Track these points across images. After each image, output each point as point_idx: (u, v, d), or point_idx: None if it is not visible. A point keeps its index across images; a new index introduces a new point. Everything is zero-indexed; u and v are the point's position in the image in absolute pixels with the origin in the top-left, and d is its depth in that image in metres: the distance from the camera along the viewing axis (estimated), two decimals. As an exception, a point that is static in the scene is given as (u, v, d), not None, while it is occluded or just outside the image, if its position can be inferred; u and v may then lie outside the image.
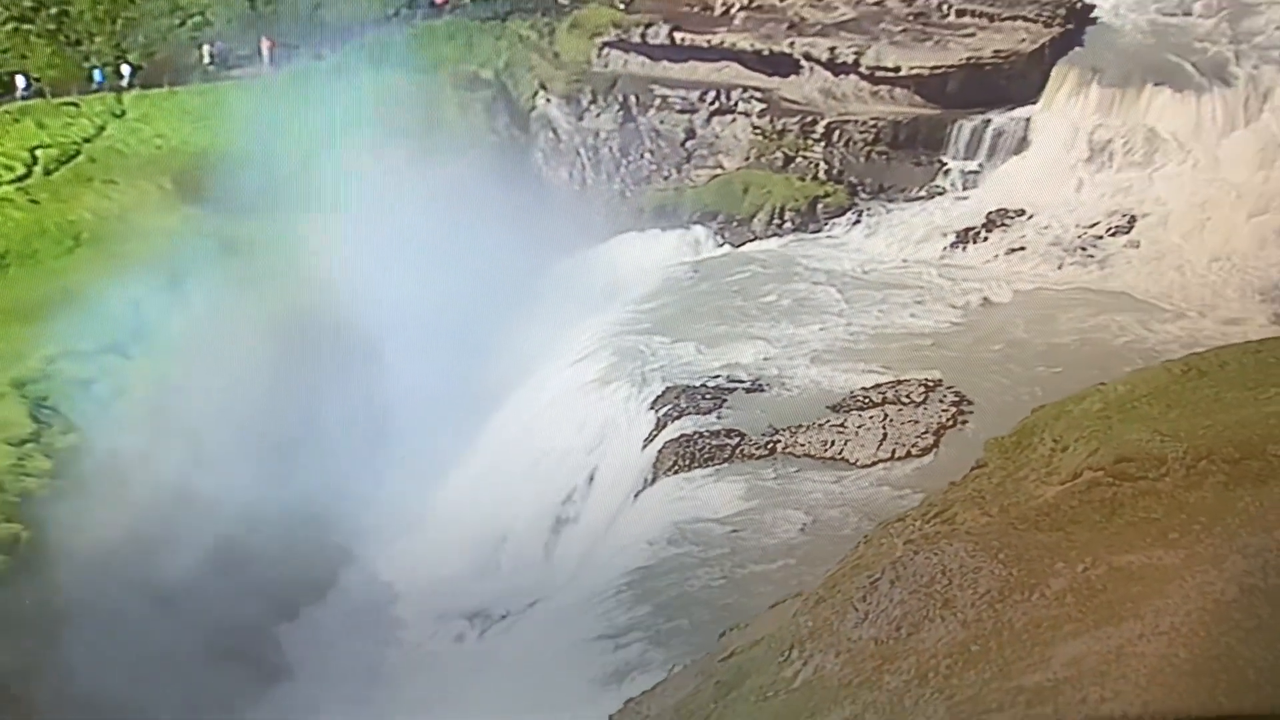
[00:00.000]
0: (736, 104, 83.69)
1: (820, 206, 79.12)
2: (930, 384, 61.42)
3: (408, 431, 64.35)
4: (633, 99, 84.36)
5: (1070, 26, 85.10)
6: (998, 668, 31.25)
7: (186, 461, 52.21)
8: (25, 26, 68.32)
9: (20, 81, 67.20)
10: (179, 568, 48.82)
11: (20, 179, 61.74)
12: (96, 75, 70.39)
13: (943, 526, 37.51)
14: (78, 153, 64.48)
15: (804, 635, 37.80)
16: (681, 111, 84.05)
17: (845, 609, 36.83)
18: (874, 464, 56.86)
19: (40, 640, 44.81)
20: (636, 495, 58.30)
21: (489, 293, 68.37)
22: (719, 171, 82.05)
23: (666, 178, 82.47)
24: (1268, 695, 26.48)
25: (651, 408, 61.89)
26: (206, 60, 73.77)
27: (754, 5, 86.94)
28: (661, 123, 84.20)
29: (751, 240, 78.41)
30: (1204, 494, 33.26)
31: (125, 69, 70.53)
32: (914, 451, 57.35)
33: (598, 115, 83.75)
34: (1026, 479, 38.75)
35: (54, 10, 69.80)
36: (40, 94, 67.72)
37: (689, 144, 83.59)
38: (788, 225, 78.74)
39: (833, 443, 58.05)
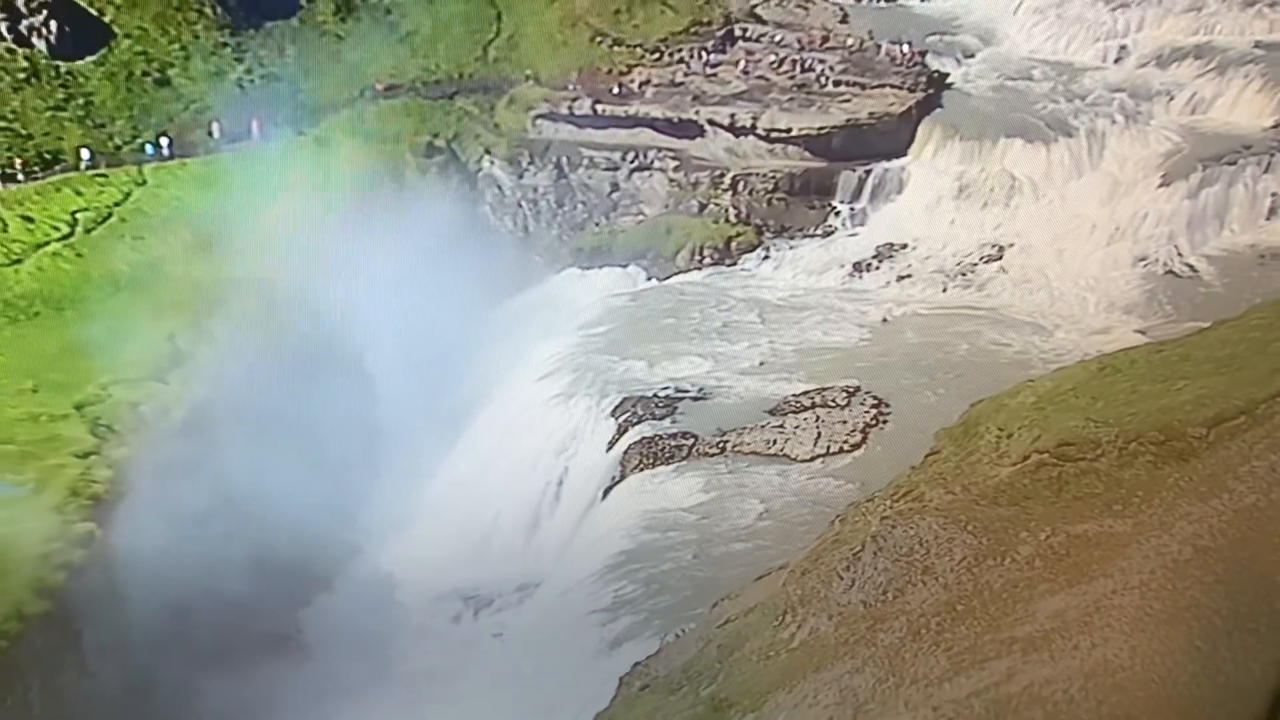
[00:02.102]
0: (653, 162, 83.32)
1: (734, 244, 78.85)
2: (851, 390, 61.23)
3: (396, 439, 63.73)
4: (564, 160, 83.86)
5: (931, 91, 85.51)
6: (986, 623, 30.36)
7: (215, 470, 50.70)
8: (60, 113, 68.40)
9: (85, 154, 67.46)
10: (213, 560, 47.37)
11: (65, 237, 61.86)
12: (149, 148, 70.68)
13: (913, 504, 36.81)
14: (110, 215, 64.49)
15: (795, 602, 36.89)
16: (606, 169, 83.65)
17: (831, 578, 35.95)
18: (813, 459, 56.65)
19: (110, 621, 44.59)
20: (607, 491, 57.65)
21: (455, 322, 68.04)
22: (642, 218, 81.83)
23: (598, 224, 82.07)
24: (1238, 640, 25.87)
25: (611, 415, 61.33)
26: (217, 135, 73.29)
27: (659, 82, 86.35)
28: (590, 179, 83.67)
29: (677, 274, 78.01)
30: (1136, 471, 32.94)
31: (164, 141, 70.80)
32: (846, 447, 57.18)
33: (535, 174, 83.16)
34: (980, 462, 38.21)
35: (82, 100, 69.85)
36: (98, 165, 67.91)
37: (614, 196, 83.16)
38: (707, 261, 78.38)
39: (775, 441, 57.76)
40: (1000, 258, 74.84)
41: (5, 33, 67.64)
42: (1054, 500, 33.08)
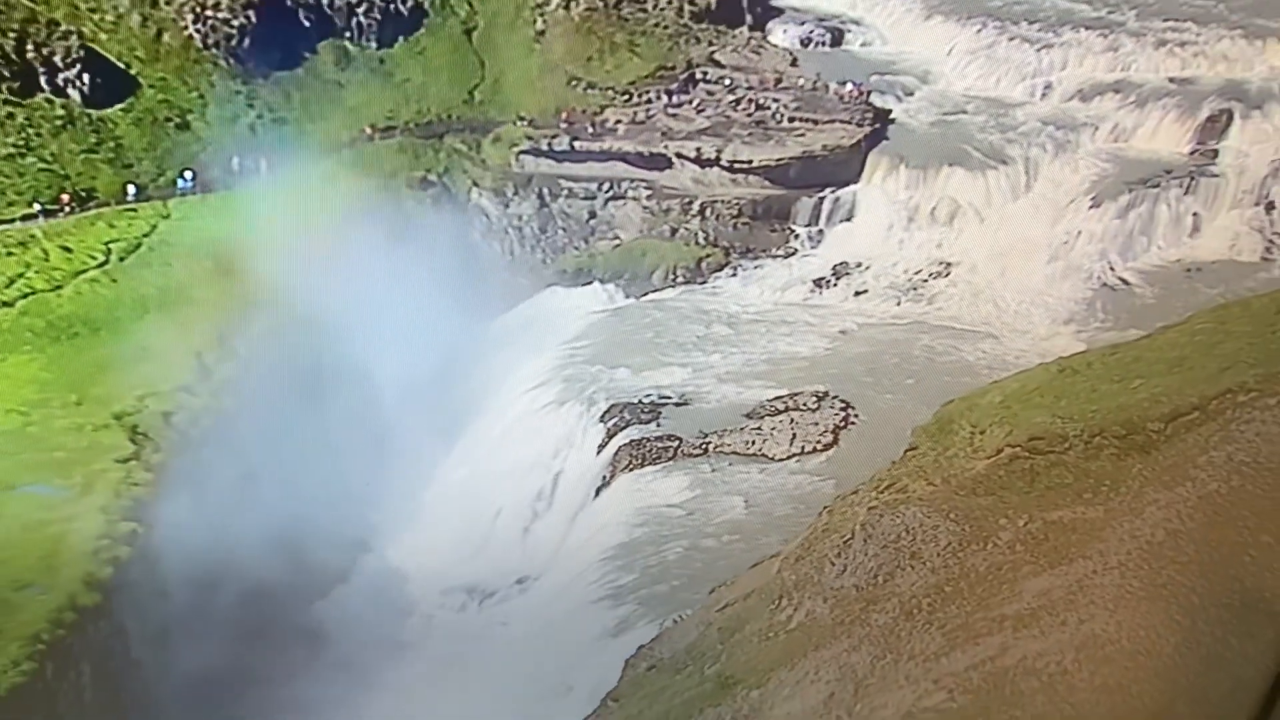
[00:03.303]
0: (627, 191, 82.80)
1: (704, 264, 78.35)
2: (820, 394, 61.02)
3: (401, 444, 62.84)
4: (545, 191, 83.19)
5: (877, 126, 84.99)
6: (975, 602, 29.91)
7: (239, 473, 50.85)
8: (93, 155, 69.17)
9: (131, 190, 68.61)
10: (241, 556, 46.91)
11: (101, 265, 62.46)
12: (180, 183, 71.30)
13: (897, 495, 36.39)
14: (140, 244, 65.09)
15: (790, 587, 36.48)
16: (584, 199, 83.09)
17: (823, 564, 35.55)
18: (789, 458, 56.63)
19: (152, 612, 44.99)
20: (599, 490, 57.34)
21: (451, 337, 67.34)
22: (618, 242, 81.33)
23: (578, 248, 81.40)
24: (1214, 615, 25.51)
25: (600, 421, 60.89)
26: (234, 173, 73.36)
27: (630, 121, 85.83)
28: (569, 207, 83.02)
29: (653, 291, 77.47)
30: (1102, 463, 32.88)
31: (189, 174, 71.43)
32: (819, 446, 57.12)
33: (519, 204, 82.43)
34: (957, 456, 37.86)
35: (112, 143, 70.58)
36: (147, 199, 69.10)
37: (592, 222, 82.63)
38: (680, 279, 77.87)
39: (753, 442, 57.64)
40: (948, 274, 74.59)
41: (44, 84, 68.61)
42: (1028, 490, 32.83)
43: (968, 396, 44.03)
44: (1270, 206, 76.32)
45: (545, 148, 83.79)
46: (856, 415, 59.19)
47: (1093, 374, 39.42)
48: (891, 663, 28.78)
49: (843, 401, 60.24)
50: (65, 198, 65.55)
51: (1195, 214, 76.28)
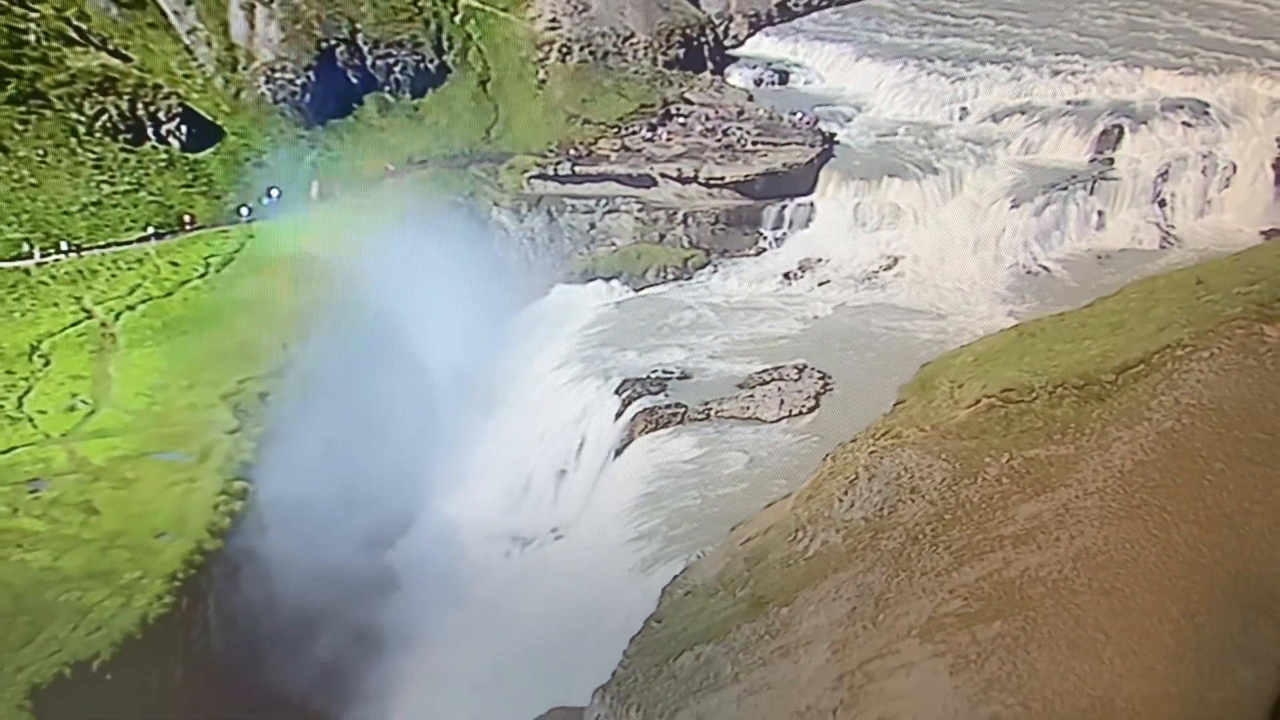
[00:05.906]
0: (620, 206, 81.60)
1: (689, 263, 77.39)
2: (800, 367, 60.57)
3: (447, 417, 62.05)
4: (552, 208, 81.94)
5: (826, 146, 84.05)
6: (974, 526, 29.36)
7: (321, 442, 49.53)
8: (190, 189, 71.39)
9: (244, 212, 70.83)
10: (323, 509, 46.50)
11: (202, 275, 63.90)
12: (266, 200, 72.61)
13: (893, 440, 35.76)
14: (233, 259, 66.43)
15: (804, 521, 35.90)
16: (585, 213, 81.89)
17: (832, 501, 35.03)
18: (779, 420, 56.18)
19: (259, 555, 45.32)
20: (619, 451, 56.70)
21: (483, 328, 66.89)
22: (615, 248, 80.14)
23: (581, 254, 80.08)
24: (1185, 530, 25.37)
25: (616, 393, 60.04)
26: (310, 198, 74.25)
27: (620, 149, 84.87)
28: (573, 220, 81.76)
29: (648, 286, 76.34)
30: (1065, 410, 32.67)
31: (274, 192, 72.57)
32: (804, 410, 56.72)
33: (532, 219, 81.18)
34: (940, 407, 37.27)
35: (205, 179, 72.78)
36: (250, 220, 70.99)
37: (592, 232, 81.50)
38: (670, 276, 76.78)
39: (748, 408, 57.23)
40: (896, 266, 73.91)
41: (151, 135, 71.44)
42: (1005, 433, 32.51)
43: (943, 357, 43.97)
44: (1163, 203, 77.40)
45: (551, 173, 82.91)
46: (833, 383, 58.75)
47: (1047, 336, 39.18)
48: (906, 579, 28.27)
49: (820, 372, 59.66)
50: (188, 218, 67.95)
51: (1100, 211, 76.62)
